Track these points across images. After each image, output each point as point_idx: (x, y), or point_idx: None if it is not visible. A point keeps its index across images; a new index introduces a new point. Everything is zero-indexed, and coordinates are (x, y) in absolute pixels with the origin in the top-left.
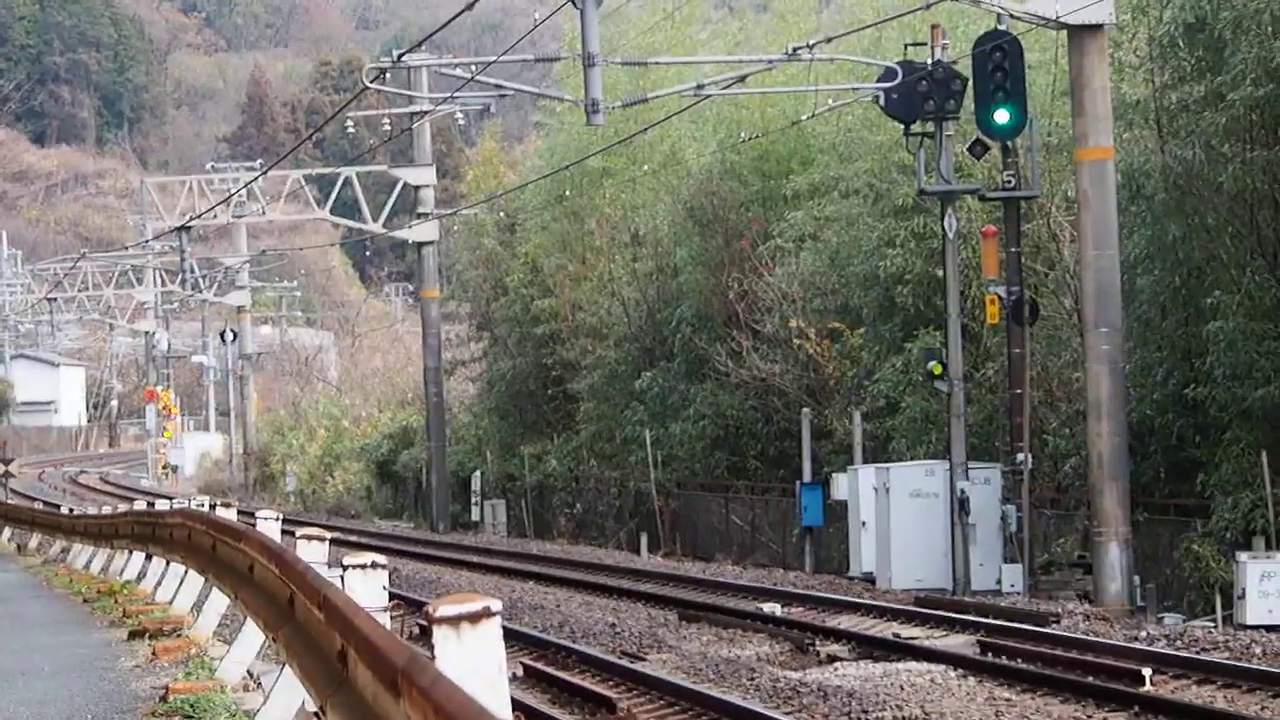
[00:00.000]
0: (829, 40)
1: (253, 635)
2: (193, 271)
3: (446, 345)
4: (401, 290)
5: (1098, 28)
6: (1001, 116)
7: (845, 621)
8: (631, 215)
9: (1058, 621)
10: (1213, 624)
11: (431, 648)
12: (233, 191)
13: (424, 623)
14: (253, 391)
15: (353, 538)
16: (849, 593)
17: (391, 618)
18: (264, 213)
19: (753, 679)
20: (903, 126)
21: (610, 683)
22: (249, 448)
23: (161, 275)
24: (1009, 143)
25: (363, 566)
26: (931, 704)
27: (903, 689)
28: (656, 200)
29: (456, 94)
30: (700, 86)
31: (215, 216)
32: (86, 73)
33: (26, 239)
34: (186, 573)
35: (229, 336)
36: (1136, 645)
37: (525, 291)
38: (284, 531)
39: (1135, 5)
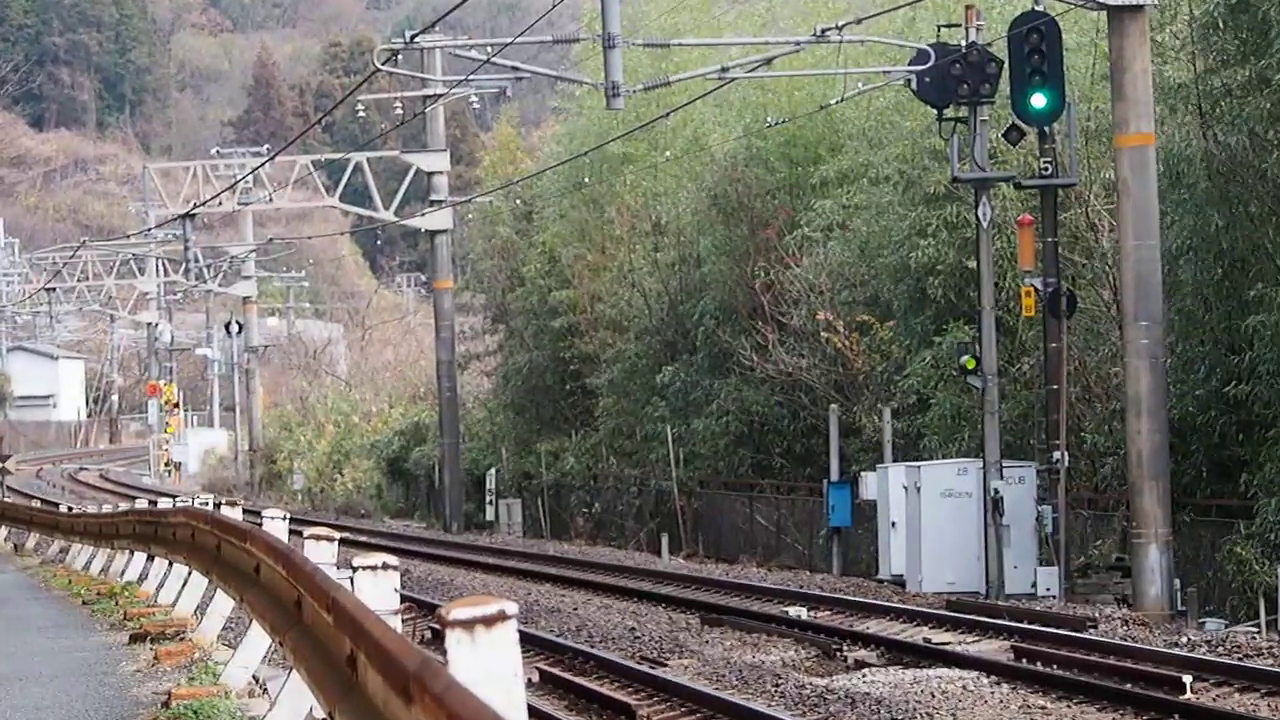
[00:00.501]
0: (859, 21)
1: (259, 639)
2: (197, 261)
3: (460, 338)
4: (413, 281)
5: (1139, 8)
6: (1038, 101)
7: (874, 626)
8: (653, 203)
9: (1095, 626)
10: (1256, 630)
11: (444, 652)
12: (238, 178)
13: (437, 626)
14: (259, 386)
15: (363, 538)
16: (878, 596)
17: (403, 621)
18: (271, 200)
19: (778, 685)
20: (935, 111)
21: (630, 689)
22: (255, 444)
23: (164, 265)
24: (1046, 128)
25: (373, 568)
26: (964, 712)
27: (934, 696)
28: (679, 188)
29: (471, 76)
30: (725, 69)
31: (220, 204)
32: (87, 54)
33: (24, 226)
34: (190, 574)
35: (234, 328)
36: (1177, 651)
37: (542, 282)
38: (291, 531)
39: None
